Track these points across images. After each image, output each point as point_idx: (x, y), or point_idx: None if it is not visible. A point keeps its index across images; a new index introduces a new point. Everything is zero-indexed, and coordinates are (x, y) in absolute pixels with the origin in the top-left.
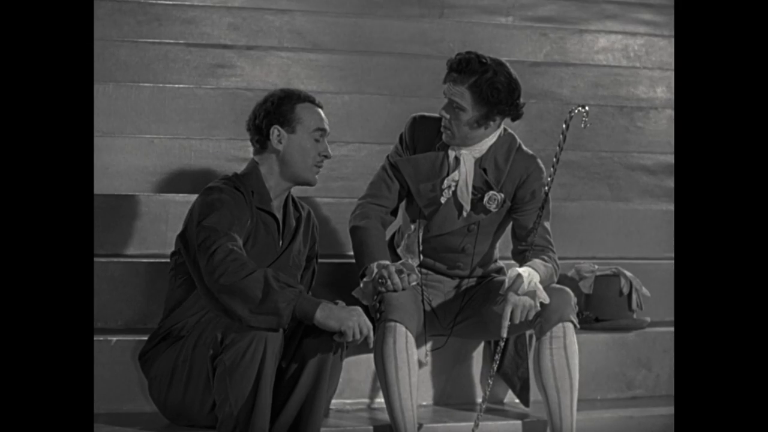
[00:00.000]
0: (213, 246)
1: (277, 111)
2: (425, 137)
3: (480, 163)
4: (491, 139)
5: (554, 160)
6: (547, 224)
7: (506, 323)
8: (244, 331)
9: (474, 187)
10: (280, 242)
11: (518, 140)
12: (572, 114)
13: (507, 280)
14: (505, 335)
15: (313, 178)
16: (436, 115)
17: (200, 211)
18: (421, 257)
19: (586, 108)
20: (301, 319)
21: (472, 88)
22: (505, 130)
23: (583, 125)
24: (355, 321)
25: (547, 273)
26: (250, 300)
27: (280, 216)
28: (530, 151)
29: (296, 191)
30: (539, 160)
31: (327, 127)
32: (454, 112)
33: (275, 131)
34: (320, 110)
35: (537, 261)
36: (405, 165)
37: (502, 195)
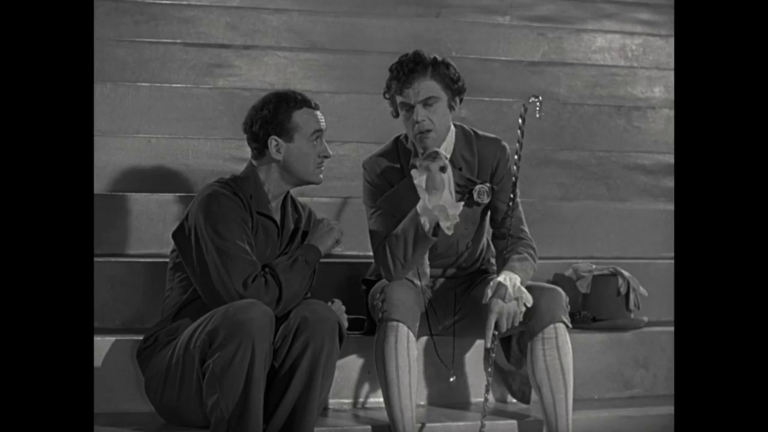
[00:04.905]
0: (247, 277)
1: (273, 120)
2: (389, 174)
3: (453, 165)
4: (452, 136)
5: (515, 157)
6: (520, 213)
7: (490, 333)
8: (231, 335)
9: (458, 185)
10: (279, 244)
11: (469, 127)
12: (527, 105)
13: (489, 290)
14: (489, 345)
15: (317, 178)
16: (382, 149)
17: (206, 222)
18: (429, 270)
19: (539, 98)
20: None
21: (434, 76)
22: (453, 124)
23: (537, 116)
24: (333, 227)
25: (524, 268)
26: (295, 293)
27: (278, 218)
28: (490, 135)
29: (294, 190)
30: (501, 140)
31: (324, 126)
32: (431, 108)
33: (273, 142)
34: (317, 112)
35: (512, 262)
36: (386, 203)
37: (488, 184)
